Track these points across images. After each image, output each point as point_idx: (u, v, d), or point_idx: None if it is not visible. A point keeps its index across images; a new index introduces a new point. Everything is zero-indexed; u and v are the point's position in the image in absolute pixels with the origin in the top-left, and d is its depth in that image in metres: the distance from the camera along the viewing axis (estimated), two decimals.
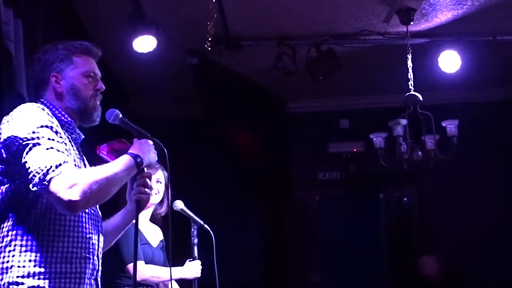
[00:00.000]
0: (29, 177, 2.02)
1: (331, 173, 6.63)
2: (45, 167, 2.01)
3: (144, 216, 3.75)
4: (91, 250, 2.22)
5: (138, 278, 3.41)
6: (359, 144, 6.42)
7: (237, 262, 5.97)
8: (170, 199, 3.58)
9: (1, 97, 3.12)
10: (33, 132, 2.08)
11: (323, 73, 5.04)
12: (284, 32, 5.07)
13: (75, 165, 2.20)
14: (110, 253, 2.61)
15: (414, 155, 4.48)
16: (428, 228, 6.28)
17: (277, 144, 6.53)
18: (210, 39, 4.14)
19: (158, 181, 3.72)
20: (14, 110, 2.18)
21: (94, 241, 2.24)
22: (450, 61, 4.94)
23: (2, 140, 2.11)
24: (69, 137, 2.30)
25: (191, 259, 3.62)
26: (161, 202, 3.79)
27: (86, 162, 2.40)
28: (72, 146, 2.28)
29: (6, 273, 2.06)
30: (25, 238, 2.08)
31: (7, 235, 2.10)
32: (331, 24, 4.97)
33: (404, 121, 4.43)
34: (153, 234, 3.79)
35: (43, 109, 2.20)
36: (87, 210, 2.22)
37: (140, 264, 3.49)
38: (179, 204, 3.64)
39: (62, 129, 2.26)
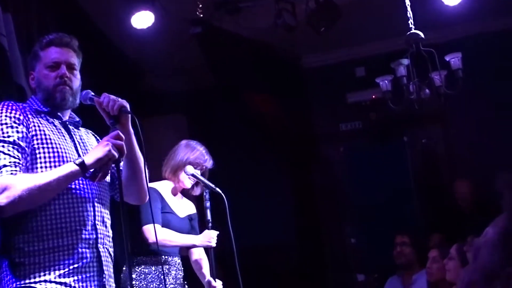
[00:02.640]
0: None
1: (353, 123, 6.61)
2: None
3: (174, 189, 3.88)
4: (83, 222, 2.33)
5: (151, 239, 3.56)
6: (377, 90, 6.33)
7: (269, 223, 6.09)
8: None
9: None
10: None
11: (324, 24, 5.01)
12: None
13: (56, 148, 2.34)
14: None
15: (422, 93, 4.45)
16: (455, 165, 6.24)
17: (295, 100, 6.54)
18: (201, 5, 4.16)
19: (202, 170, 3.82)
20: None
21: (86, 213, 2.35)
22: None
23: None
24: (54, 122, 2.46)
25: (208, 228, 3.71)
26: (194, 185, 3.89)
27: (81, 143, 2.50)
28: (53, 130, 2.41)
29: (10, 255, 2.25)
30: (19, 222, 2.25)
31: (10, 224, 2.27)
32: None
33: (406, 61, 4.39)
34: (180, 206, 3.90)
35: (7, 107, 2.34)
36: (73, 186, 2.32)
37: (156, 227, 3.62)
38: (189, 170, 3.76)
39: (44, 117, 2.43)
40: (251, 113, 6.36)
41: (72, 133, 2.51)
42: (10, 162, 2.21)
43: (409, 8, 4.58)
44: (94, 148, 2.34)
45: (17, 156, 2.25)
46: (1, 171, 2.19)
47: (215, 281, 3.70)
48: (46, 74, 2.46)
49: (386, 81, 4.63)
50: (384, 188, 6.21)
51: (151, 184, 3.60)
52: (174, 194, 3.89)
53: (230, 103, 6.36)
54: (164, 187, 3.83)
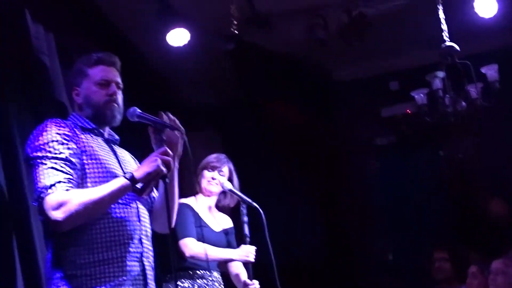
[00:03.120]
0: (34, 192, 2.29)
1: (388, 137, 6.58)
2: (41, 186, 2.26)
3: (206, 203, 3.91)
4: (130, 235, 2.40)
5: (187, 253, 3.58)
6: (411, 104, 6.29)
7: (299, 238, 6.05)
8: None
9: (41, 106, 3.33)
10: (39, 150, 2.33)
11: (357, 37, 5.01)
12: (313, 2, 5.05)
13: (104, 164, 2.42)
14: None
15: (458, 106, 4.41)
16: (491, 179, 6.13)
17: (328, 115, 6.52)
18: (235, 22, 4.21)
19: (222, 174, 3.88)
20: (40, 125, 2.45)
21: (133, 227, 2.42)
22: (486, 6, 4.77)
23: None
24: (98, 139, 2.54)
25: (245, 243, 3.73)
26: (225, 193, 3.93)
27: (121, 159, 2.59)
28: (99, 146, 2.50)
29: (62, 267, 2.31)
30: (72, 235, 2.32)
31: (62, 237, 2.34)
32: None
33: (441, 74, 4.37)
34: (215, 220, 3.92)
35: (56, 123, 2.43)
36: (120, 201, 2.39)
37: (191, 240, 3.64)
38: (227, 185, 3.80)
39: (89, 134, 2.51)
40: (284, 128, 6.35)
41: (114, 149, 2.59)
42: (64, 178, 2.28)
43: (443, 21, 4.56)
44: (143, 163, 2.40)
45: (70, 172, 2.32)
46: (56, 187, 2.25)
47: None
48: (96, 90, 2.55)
49: (421, 94, 4.60)
50: (419, 202, 6.15)
51: (183, 200, 3.67)
52: (208, 208, 3.92)
53: (262, 118, 6.37)
54: (196, 201, 3.87)
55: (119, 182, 2.32)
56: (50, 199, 2.22)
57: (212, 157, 3.93)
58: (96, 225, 2.33)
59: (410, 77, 6.15)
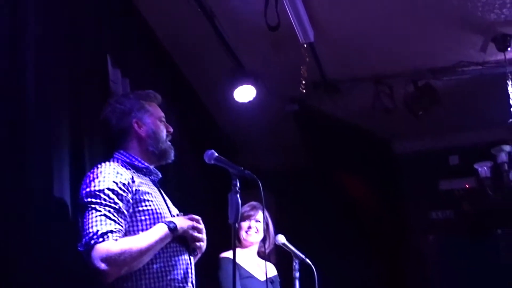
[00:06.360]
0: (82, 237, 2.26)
1: (444, 211, 6.47)
2: (93, 232, 2.21)
3: (247, 253, 3.92)
4: (185, 280, 2.42)
5: None
6: (471, 179, 6.23)
7: None
8: (271, 235, 3.77)
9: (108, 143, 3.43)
10: (94, 196, 2.29)
11: (422, 108, 5.02)
12: (380, 71, 5.12)
13: (157, 209, 2.43)
14: None
15: None
16: None
17: (386, 185, 6.47)
18: (304, 82, 4.29)
19: (257, 220, 3.91)
20: (94, 168, 2.44)
21: (186, 269, 2.44)
22: None
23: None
24: (147, 178, 2.56)
25: None
26: (264, 239, 3.94)
27: (166, 198, 2.63)
28: (149, 186, 2.52)
29: None
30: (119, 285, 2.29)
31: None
32: (426, 59, 4.95)
33: (507, 148, 4.34)
34: (259, 269, 3.92)
35: (114, 168, 2.40)
36: (171, 244, 2.40)
37: None
38: (280, 239, 3.82)
39: (139, 173, 2.52)
40: (340, 194, 6.33)
41: (160, 190, 2.64)
42: (115, 228, 2.25)
43: None
44: (180, 218, 2.48)
45: (121, 223, 2.30)
46: (108, 236, 2.21)
47: None
48: (161, 127, 2.65)
49: (485, 167, 4.55)
50: (475, 282, 5.94)
51: (224, 254, 3.74)
52: (251, 258, 3.92)
53: (320, 184, 6.37)
54: (238, 254, 3.87)
55: (163, 230, 2.35)
56: (101, 248, 2.18)
57: (246, 206, 3.92)
58: (150, 270, 2.32)
59: (471, 152, 6.12)
